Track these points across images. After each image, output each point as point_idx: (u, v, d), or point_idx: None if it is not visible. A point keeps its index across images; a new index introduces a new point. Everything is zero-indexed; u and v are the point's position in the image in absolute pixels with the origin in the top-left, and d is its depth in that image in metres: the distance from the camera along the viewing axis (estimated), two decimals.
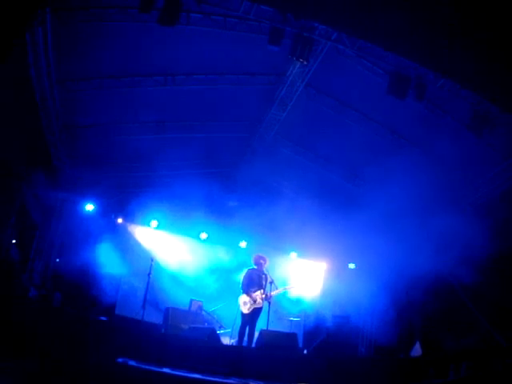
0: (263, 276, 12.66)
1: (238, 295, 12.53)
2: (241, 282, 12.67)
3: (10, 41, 8.85)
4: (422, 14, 9.77)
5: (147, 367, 7.89)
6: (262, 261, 12.80)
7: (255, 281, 12.55)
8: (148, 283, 14.10)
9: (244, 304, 12.33)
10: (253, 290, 12.41)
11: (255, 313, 12.33)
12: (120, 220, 17.39)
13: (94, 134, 15.30)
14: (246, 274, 12.72)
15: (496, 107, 11.32)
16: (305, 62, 11.49)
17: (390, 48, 10.99)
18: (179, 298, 16.10)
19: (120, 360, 7.93)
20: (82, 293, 14.82)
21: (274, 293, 12.66)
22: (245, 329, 12.23)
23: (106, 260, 15.81)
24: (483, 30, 9.64)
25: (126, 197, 17.19)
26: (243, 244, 18.02)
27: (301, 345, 14.21)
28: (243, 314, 12.33)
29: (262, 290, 12.47)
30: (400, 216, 13.35)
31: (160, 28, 10.42)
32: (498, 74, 10.33)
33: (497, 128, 11.51)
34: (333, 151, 15.45)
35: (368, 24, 10.36)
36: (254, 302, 12.32)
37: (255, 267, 12.78)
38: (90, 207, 16.88)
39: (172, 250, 17.55)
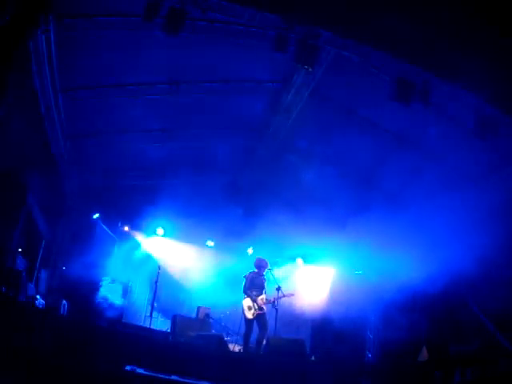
0: (264, 279, 12.78)
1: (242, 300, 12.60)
2: (242, 285, 12.77)
3: (13, 49, 8.89)
4: (423, 19, 9.80)
5: (155, 375, 7.91)
6: (263, 264, 12.91)
7: (257, 284, 12.69)
8: (155, 291, 14.13)
9: (248, 309, 12.38)
10: (255, 293, 12.48)
11: (259, 318, 12.35)
12: (126, 228, 17.43)
13: (100, 142, 15.36)
14: (248, 277, 12.83)
15: (500, 111, 11.30)
16: (310, 69, 11.47)
17: (393, 53, 10.99)
18: (186, 306, 16.15)
19: (128, 368, 7.95)
20: (88, 301, 14.83)
21: (274, 299, 12.72)
22: (249, 334, 12.28)
23: (113, 268, 15.85)
24: (484, 33, 9.66)
25: (132, 205, 17.22)
26: (250, 250, 18.02)
27: (308, 350, 14.16)
28: (247, 320, 12.36)
29: (264, 294, 12.55)
30: (407, 222, 13.28)
31: (164, 36, 10.43)
32: (501, 77, 10.31)
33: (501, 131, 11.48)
34: (339, 158, 15.45)
35: (371, 29, 10.38)
36: (258, 306, 12.36)
37: (256, 270, 12.89)
38: (96, 215, 16.92)
39: (179, 258, 17.58)
